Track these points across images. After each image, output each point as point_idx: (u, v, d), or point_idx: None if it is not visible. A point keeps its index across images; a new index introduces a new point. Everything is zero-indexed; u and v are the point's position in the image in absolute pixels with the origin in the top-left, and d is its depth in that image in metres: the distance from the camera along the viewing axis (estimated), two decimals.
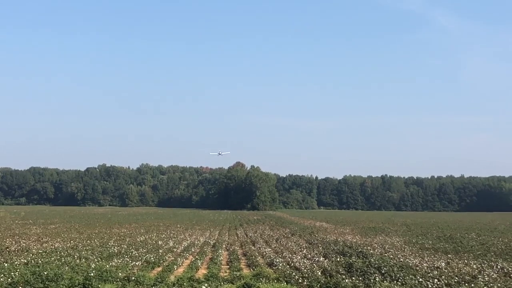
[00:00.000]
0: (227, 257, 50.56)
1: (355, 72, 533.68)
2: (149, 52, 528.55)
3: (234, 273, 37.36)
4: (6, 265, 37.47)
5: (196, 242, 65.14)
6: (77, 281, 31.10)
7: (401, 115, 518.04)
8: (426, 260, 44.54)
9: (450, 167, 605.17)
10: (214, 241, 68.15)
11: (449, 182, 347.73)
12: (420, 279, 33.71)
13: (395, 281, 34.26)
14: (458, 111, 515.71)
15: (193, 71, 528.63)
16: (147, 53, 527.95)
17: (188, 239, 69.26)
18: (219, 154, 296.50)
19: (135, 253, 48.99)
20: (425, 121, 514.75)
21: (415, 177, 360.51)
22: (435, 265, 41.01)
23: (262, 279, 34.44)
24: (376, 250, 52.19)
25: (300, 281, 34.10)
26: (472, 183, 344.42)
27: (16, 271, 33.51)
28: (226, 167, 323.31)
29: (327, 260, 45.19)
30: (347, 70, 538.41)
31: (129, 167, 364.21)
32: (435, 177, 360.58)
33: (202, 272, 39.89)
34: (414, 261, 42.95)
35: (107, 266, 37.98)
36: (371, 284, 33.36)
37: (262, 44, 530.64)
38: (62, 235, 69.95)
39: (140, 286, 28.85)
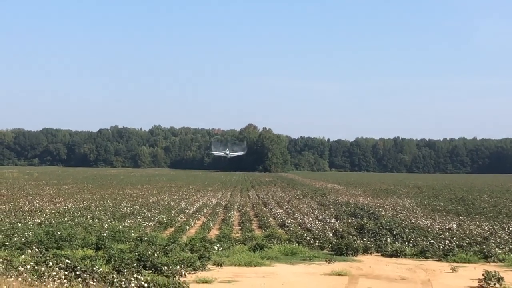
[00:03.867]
0: (239, 218, 50.80)
1: (368, 34, 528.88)
2: (162, 12, 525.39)
3: (246, 234, 37.56)
4: (20, 225, 37.80)
5: (208, 203, 65.43)
6: (90, 241, 31.34)
7: (414, 77, 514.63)
8: (438, 221, 44.66)
9: (462, 129, 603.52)
10: (226, 202, 68.42)
11: (462, 144, 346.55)
12: (432, 241, 33.82)
13: (406, 242, 34.43)
14: (471, 73, 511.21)
15: (204, 32, 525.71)
16: (160, 13, 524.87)
17: (200, 200, 69.58)
18: (226, 154, 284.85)
19: (148, 214, 49.30)
20: (437, 83, 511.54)
21: (427, 139, 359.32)
22: (447, 227, 41.13)
23: (274, 240, 34.61)
24: (387, 212, 52.35)
25: (311, 242, 34.25)
26: (485, 145, 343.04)
27: (30, 231, 33.77)
28: (238, 129, 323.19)
29: (338, 221, 45.34)
30: (360, 32, 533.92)
31: (141, 128, 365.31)
32: (448, 139, 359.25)
33: (214, 233, 40.10)
34: (426, 223, 43.08)
35: (120, 226, 38.26)
36: (382, 245, 33.50)
37: (273, 4, 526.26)
38: (75, 195, 70.44)
39: (153, 246, 29.04)
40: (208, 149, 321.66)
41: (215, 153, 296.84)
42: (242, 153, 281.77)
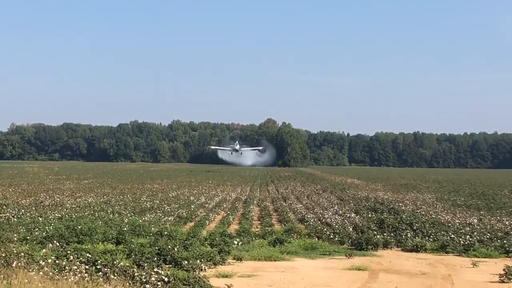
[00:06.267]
0: (259, 212, 50.85)
1: (388, 28, 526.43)
2: (181, 7, 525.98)
3: (266, 228, 37.57)
4: (41, 219, 38.05)
5: (227, 198, 65.55)
6: (110, 235, 31.46)
7: (434, 71, 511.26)
8: (458, 216, 44.42)
9: (483, 124, 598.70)
10: (245, 197, 68.50)
11: (482, 139, 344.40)
12: (452, 235, 33.67)
13: (426, 237, 34.29)
14: (492, 67, 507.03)
15: (224, 28, 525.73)
16: (179, 9, 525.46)
17: (220, 195, 69.69)
18: (235, 150, 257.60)
19: (168, 208, 49.46)
20: (458, 77, 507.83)
21: (447, 134, 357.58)
22: (467, 222, 40.90)
23: (294, 234, 34.64)
24: (407, 207, 52.14)
25: (331, 237, 34.21)
26: (506, 140, 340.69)
27: (51, 225, 34.01)
28: (258, 124, 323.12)
29: (358, 216, 45.20)
30: (379, 25, 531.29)
31: (160, 123, 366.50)
32: (468, 133, 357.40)
33: (234, 227, 40.17)
34: (446, 218, 42.86)
35: (140, 220, 38.40)
36: (402, 240, 33.41)
37: None
38: (95, 190, 70.76)
39: (173, 241, 29.13)
40: (223, 144, 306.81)
41: (219, 149, 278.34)
42: (261, 153, 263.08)
